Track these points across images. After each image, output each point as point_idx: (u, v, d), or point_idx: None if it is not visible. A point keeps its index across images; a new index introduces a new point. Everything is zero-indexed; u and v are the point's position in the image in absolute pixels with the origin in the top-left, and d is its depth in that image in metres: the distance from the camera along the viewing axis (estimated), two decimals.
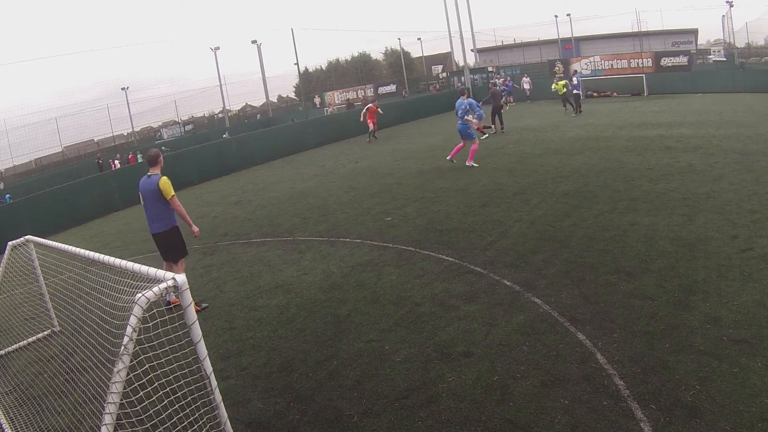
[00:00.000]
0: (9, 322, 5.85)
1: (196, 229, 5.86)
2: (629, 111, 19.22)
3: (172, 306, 4.82)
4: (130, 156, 28.92)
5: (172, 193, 5.64)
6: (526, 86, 30.75)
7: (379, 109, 20.67)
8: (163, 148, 29.59)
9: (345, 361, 4.26)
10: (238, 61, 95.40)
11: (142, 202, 5.85)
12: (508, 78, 32.53)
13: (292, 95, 53.82)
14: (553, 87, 21.35)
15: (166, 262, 5.82)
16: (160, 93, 60.97)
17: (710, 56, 34.08)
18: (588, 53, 35.25)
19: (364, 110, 20.80)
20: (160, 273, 2.94)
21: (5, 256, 5.77)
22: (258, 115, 43.88)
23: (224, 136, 13.16)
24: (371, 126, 20.29)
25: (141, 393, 3.06)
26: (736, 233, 5.80)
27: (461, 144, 12.05)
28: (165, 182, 5.61)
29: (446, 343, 4.31)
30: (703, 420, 3.03)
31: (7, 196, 23.62)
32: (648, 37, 39.28)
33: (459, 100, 11.72)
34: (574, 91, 20.03)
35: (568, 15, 44.59)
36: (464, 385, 3.70)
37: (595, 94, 28.73)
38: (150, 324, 3.20)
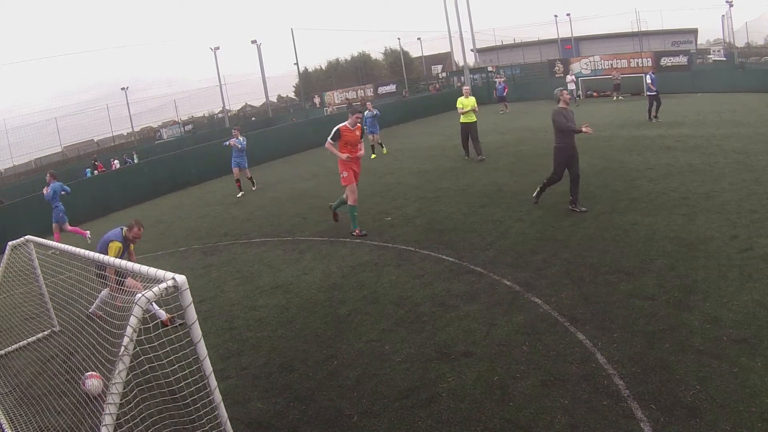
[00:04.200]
0: (9, 322, 5.84)
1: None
2: (629, 111, 19.21)
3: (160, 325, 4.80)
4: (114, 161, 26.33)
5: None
6: (571, 86, 25.27)
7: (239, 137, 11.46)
8: (134, 153, 28.14)
9: (345, 361, 4.26)
10: (237, 61, 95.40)
11: None
12: (502, 78, 30.44)
13: (292, 95, 53.79)
14: (459, 105, 12.83)
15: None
16: (160, 93, 61.09)
17: (710, 56, 34.05)
18: (588, 53, 35.21)
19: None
20: (160, 273, 2.95)
21: (5, 256, 5.76)
22: (253, 118, 43.59)
23: (225, 144, 12.93)
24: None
25: (141, 393, 3.07)
26: (736, 233, 5.80)
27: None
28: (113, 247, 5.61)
29: (446, 343, 4.32)
30: (703, 420, 3.03)
31: (87, 170, 23.24)
32: (648, 37, 39.25)
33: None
34: (647, 94, 16.68)
35: (568, 15, 44.51)
36: (464, 385, 3.70)
37: (595, 94, 28.78)
38: (150, 324, 3.21)
